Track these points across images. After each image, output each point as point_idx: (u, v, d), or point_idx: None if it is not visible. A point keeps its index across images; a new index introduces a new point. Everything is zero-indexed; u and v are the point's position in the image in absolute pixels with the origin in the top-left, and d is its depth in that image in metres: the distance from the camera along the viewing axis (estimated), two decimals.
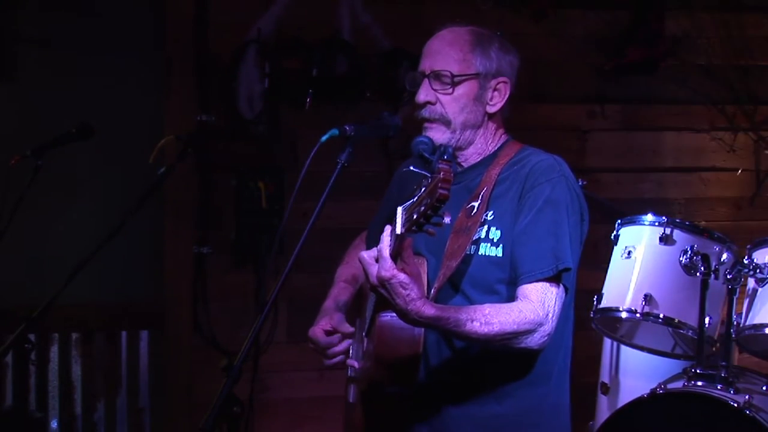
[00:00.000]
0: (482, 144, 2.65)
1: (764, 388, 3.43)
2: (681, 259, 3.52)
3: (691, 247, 3.50)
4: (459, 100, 2.58)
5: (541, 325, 2.45)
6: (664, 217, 3.59)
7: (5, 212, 3.08)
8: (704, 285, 3.45)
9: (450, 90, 2.58)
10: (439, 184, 2.16)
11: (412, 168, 2.76)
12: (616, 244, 3.69)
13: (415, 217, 2.25)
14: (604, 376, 4.00)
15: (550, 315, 2.47)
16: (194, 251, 4.44)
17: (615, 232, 3.71)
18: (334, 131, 2.50)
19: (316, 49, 4.43)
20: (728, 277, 3.43)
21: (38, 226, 4.33)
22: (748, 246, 3.48)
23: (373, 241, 2.45)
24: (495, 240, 2.54)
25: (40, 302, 3.01)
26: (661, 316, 3.51)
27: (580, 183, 2.73)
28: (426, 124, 2.61)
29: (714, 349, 3.58)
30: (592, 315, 3.64)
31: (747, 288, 3.47)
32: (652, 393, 3.40)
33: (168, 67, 4.38)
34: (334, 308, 2.78)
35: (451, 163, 2.23)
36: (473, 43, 2.59)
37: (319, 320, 2.75)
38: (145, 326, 4.52)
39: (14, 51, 4.36)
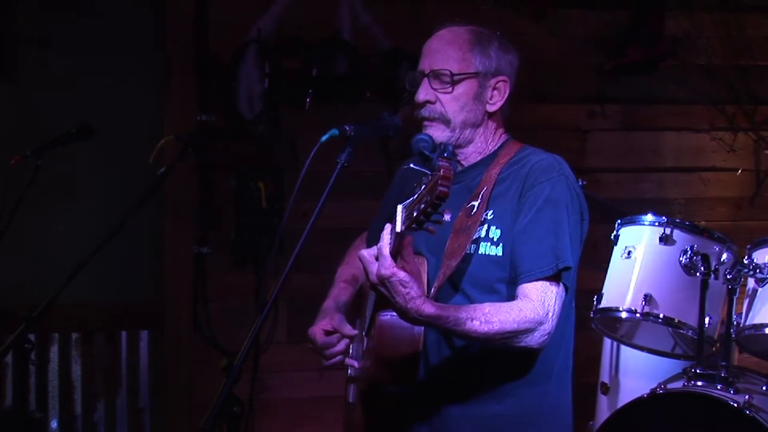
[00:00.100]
0: (482, 143, 2.66)
1: (764, 388, 3.43)
2: (681, 259, 3.51)
3: (691, 247, 3.50)
4: (458, 99, 2.58)
5: (541, 324, 2.45)
6: (664, 217, 3.59)
7: (5, 212, 3.08)
8: (704, 285, 3.45)
9: (449, 89, 2.58)
10: (439, 182, 2.16)
11: (412, 165, 2.77)
12: (616, 244, 3.69)
13: (415, 214, 2.25)
14: (604, 376, 4.00)
15: (550, 314, 2.47)
16: (194, 251, 4.44)
17: (615, 232, 3.71)
18: (334, 131, 2.50)
19: (316, 49, 4.43)
20: (728, 277, 3.43)
21: (38, 226, 4.33)
22: (748, 246, 3.48)
23: (374, 241, 2.45)
24: (495, 239, 2.54)
25: (40, 302, 3.01)
26: (661, 316, 3.51)
27: (580, 183, 2.73)
28: (426, 123, 2.61)
29: (714, 349, 3.58)
30: (592, 315, 3.65)
31: (747, 288, 3.47)
32: (652, 393, 3.39)
33: (168, 67, 4.39)
34: (334, 308, 2.77)
35: (451, 160, 2.22)
36: (472, 42, 2.60)
37: (319, 320, 2.75)
38: (145, 326, 4.52)
39: (14, 51, 4.36)
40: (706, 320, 3.45)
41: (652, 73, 4.83)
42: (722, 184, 5.00)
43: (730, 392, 3.33)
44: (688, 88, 4.85)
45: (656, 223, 3.59)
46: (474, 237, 2.53)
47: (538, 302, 2.46)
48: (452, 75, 2.57)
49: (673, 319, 3.52)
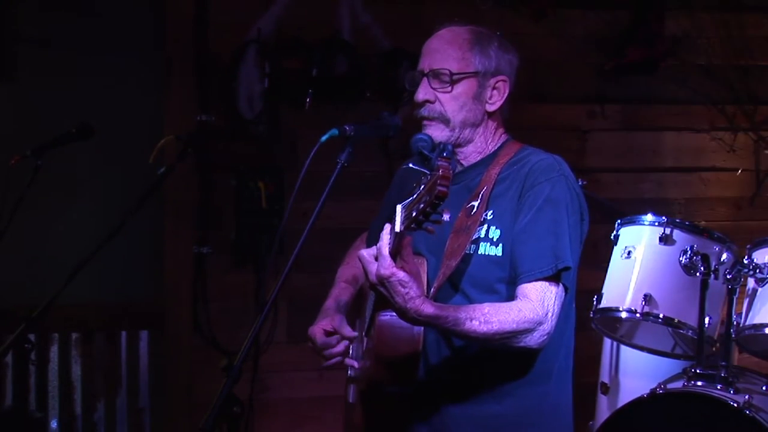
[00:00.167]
0: (482, 143, 2.65)
1: (764, 388, 3.43)
2: (681, 259, 3.52)
3: (691, 247, 3.50)
4: (458, 98, 2.58)
5: (540, 324, 2.45)
6: (664, 217, 3.60)
7: (5, 212, 3.08)
8: (704, 285, 3.45)
9: (449, 88, 2.58)
10: (438, 182, 2.15)
11: (411, 165, 2.76)
12: (616, 244, 3.69)
13: (414, 214, 2.24)
14: (604, 376, 4.00)
15: (550, 314, 2.47)
16: (194, 251, 4.44)
17: (615, 232, 3.71)
18: (334, 131, 2.50)
19: (316, 49, 4.43)
20: (728, 277, 3.43)
21: (38, 226, 4.33)
22: (748, 246, 3.48)
23: (374, 241, 2.45)
24: (495, 239, 2.54)
25: (40, 302, 3.01)
26: (661, 316, 3.51)
27: (580, 183, 2.73)
28: (425, 123, 2.61)
29: (714, 349, 3.58)
30: (591, 315, 3.65)
31: (747, 288, 3.47)
32: (652, 393, 3.39)
33: (168, 67, 4.39)
34: (334, 309, 2.77)
35: (450, 160, 2.22)
36: (472, 42, 2.60)
37: (319, 320, 2.75)
38: (145, 326, 4.52)
39: (14, 51, 4.36)
40: (706, 320, 3.45)
41: (652, 73, 4.83)
42: (722, 184, 5.00)
43: (730, 392, 3.33)
44: (688, 88, 4.86)
45: (656, 223, 3.59)
46: (474, 237, 2.53)
47: (538, 302, 2.46)
48: (451, 74, 2.57)
49: (673, 319, 3.52)
